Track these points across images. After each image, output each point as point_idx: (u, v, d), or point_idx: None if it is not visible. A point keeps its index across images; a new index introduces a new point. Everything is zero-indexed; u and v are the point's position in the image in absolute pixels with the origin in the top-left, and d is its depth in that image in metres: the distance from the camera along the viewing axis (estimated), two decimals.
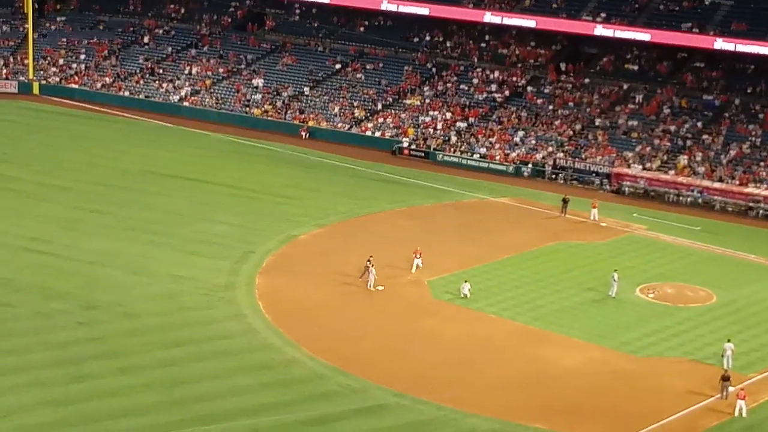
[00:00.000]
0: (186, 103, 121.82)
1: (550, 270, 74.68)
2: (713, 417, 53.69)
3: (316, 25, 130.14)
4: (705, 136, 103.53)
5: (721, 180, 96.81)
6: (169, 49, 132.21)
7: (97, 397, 52.33)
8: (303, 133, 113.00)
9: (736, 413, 53.70)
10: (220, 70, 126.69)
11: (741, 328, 65.14)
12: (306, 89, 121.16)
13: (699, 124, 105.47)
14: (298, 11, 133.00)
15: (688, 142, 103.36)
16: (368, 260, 69.56)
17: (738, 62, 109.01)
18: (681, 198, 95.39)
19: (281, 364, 57.68)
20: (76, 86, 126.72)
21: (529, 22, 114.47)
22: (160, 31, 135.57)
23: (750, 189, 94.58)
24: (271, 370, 56.71)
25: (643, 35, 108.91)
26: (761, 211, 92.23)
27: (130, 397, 52.30)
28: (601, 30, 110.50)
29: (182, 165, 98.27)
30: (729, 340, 58.53)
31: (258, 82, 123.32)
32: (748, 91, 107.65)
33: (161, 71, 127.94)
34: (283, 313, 64.62)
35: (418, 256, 72.45)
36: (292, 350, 59.32)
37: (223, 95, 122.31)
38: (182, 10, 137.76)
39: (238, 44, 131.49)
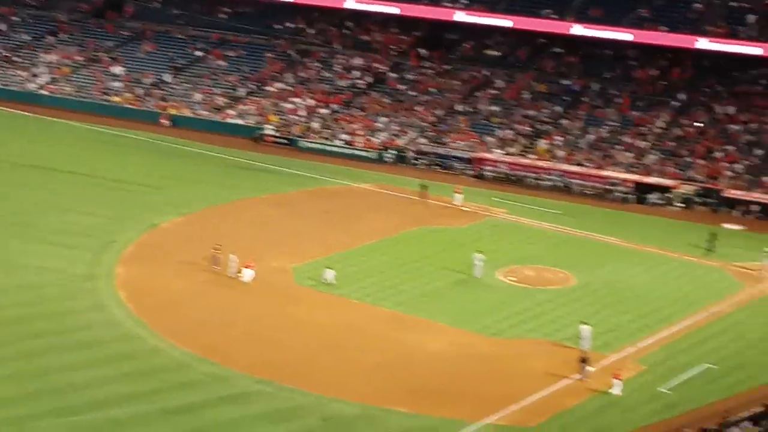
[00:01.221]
0: (45, 92, 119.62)
1: (413, 255, 75.13)
2: (573, 397, 54.49)
3: (176, 12, 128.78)
4: (564, 121, 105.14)
5: (580, 164, 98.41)
6: (27, 36, 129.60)
7: None
8: (165, 121, 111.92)
9: (612, 391, 54.70)
10: (79, 57, 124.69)
11: (599, 309, 66.31)
12: (167, 77, 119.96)
13: (558, 109, 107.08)
14: None
15: (548, 127, 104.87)
16: (214, 248, 69.06)
17: (595, 48, 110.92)
18: (541, 182, 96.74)
19: (143, 353, 57.01)
20: None
21: (391, 9, 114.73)
22: (17, 18, 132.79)
23: (608, 172, 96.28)
24: (133, 360, 55.98)
25: (503, 21, 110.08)
26: (619, 194, 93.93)
27: None
28: (462, 16, 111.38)
29: (41, 155, 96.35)
30: (585, 323, 59.35)
31: (118, 69, 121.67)
32: (606, 76, 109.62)
33: (18, 59, 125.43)
34: (144, 303, 63.87)
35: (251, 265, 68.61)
36: (154, 340, 58.69)
37: (82, 83, 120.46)
38: None
39: (97, 31, 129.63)
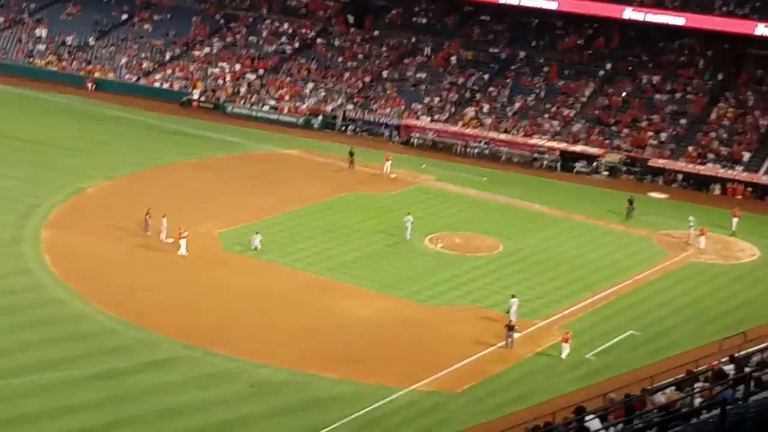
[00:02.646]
0: None
1: (341, 221, 75.19)
2: (498, 364, 54.91)
3: None
4: (491, 89, 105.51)
5: (507, 132, 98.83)
6: None
7: None
8: (90, 85, 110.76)
9: (562, 355, 55.38)
10: (1, 19, 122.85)
11: (526, 276, 66.79)
12: (92, 40, 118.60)
13: (485, 76, 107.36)
14: None
15: (476, 95, 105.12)
16: (147, 212, 68.65)
17: (523, 16, 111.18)
18: (468, 149, 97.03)
19: (69, 318, 56.60)
20: None
21: None
22: None
23: (535, 140, 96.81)
24: (59, 325, 55.56)
25: None
26: (545, 162, 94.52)
27: None
28: None
29: None
30: (514, 296, 59.53)
31: (41, 32, 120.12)
32: (533, 44, 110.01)
33: None
34: (70, 268, 63.38)
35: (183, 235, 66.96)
36: (80, 305, 58.27)
37: (4, 45, 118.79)
38: None
39: None
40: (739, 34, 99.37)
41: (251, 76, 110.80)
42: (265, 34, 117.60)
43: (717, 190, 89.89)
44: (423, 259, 69.45)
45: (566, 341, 55.65)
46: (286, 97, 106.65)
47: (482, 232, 74.94)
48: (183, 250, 66.27)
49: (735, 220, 77.54)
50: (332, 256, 68.26)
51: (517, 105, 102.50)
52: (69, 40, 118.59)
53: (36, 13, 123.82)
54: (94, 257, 65.22)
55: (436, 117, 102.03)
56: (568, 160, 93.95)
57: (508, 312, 58.35)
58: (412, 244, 71.13)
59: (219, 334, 56.01)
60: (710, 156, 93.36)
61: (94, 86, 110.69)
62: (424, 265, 68.15)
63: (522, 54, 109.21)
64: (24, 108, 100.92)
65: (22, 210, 72.33)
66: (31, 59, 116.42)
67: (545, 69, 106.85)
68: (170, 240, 67.30)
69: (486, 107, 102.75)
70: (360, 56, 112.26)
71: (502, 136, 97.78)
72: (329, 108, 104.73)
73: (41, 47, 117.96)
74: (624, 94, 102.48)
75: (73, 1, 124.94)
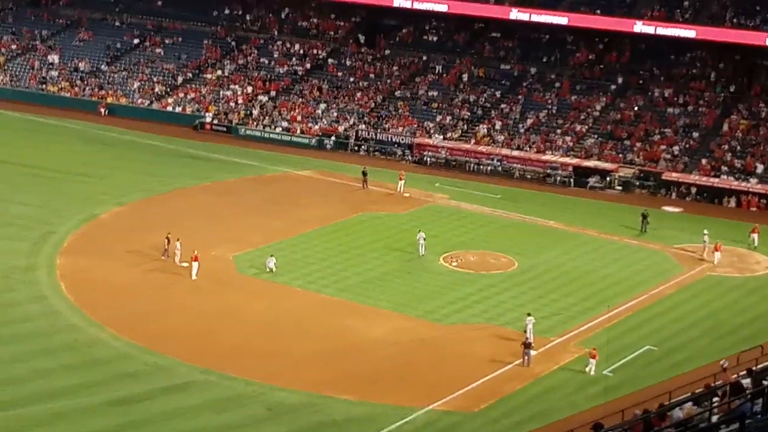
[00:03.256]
0: None
1: (355, 242, 75.15)
2: (515, 382, 54.76)
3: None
4: (503, 105, 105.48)
5: (519, 148, 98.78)
6: None
7: None
8: (102, 110, 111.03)
9: (586, 370, 55.25)
10: (14, 46, 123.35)
11: (542, 293, 66.67)
12: (104, 65, 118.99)
13: (497, 93, 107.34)
14: None
15: (488, 112, 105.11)
16: (167, 237, 68.72)
17: (533, 32, 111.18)
18: (481, 167, 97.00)
19: (85, 345, 56.61)
20: None
21: None
22: None
23: (547, 156, 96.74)
24: (75, 352, 55.61)
25: (440, 6, 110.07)
26: (558, 178, 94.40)
27: None
28: (400, 1, 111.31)
29: None
30: (529, 314, 59.41)
31: (54, 58, 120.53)
32: (544, 60, 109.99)
33: None
34: (85, 294, 63.42)
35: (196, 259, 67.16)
36: (96, 330, 58.28)
37: (18, 72, 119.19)
38: None
39: (33, 20, 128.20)
40: (749, 46, 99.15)
41: (263, 98, 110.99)
42: (276, 55, 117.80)
43: (732, 202, 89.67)
44: (438, 277, 69.34)
45: (593, 357, 55.44)
46: (299, 118, 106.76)
47: (497, 249, 74.82)
48: (194, 274, 66.31)
49: (755, 236, 76.95)
50: (347, 276, 68.21)
51: (529, 121, 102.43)
52: (81, 65, 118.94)
53: (48, 39, 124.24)
54: (109, 283, 65.24)
55: (448, 135, 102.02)
56: (581, 175, 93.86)
57: (524, 330, 58.22)
58: (427, 263, 71.08)
59: (234, 357, 55.98)
60: (724, 168, 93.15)
61: (106, 111, 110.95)
62: (439, 284, 68.05)
63: (533, 70, 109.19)
64: (36, 135, 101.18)
65: (36, 237, 72.45)
66: (43, 86, 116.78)
67: (557, 84, 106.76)
68: (185, 264, 67.33)
69: (498, 124, 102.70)
70: (371, 75, 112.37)
71: (515, 153, 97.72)
72: (342, 128, 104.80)
73: (54, 73, 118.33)
74: (636, 108, 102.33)
75: (85, 27, 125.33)
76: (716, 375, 46.62)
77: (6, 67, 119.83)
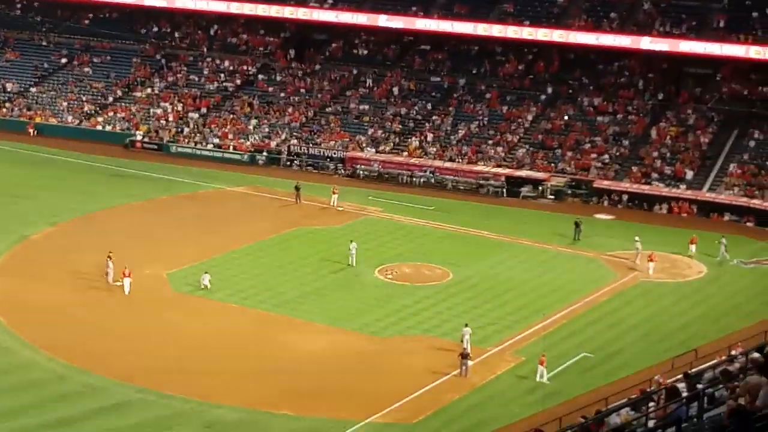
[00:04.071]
0: None
1: (290, 257, 74.99)
2: (454, 393, 54.87)
3: (39, 19, 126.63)
4: (434, 117, 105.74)
5: (451, 160, 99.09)
6: None
7: None
8: (31, 131, 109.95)
9: (537, 378, 55.52)
10: None
11: (477, 303, 66.88)
12: (32, 85, 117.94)
13: (428, 105, 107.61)
14: (19, 5, 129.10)
15: (419, 124, 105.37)
16: (108, 257, 68.11)
17: (462, 44, 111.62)
18: (414, 179, 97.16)
19: (18, 367, 56.02)
20: None
21: (256, 10, 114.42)
22: None
23: (480, 167, 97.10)
24: (8, 375, 55.00)
25: (369, 20, 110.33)
26: (491, 188, 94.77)
27: None
28: (326, 16, 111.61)
29: None
30: (466, 325, 59.45)
31: None
32: (473, 71, 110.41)
33: None
34: (18, 315, 62.73)
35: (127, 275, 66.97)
36: (29, 352, 57.66)
37: None
38: None
39: None
40: (676, 54, 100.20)
41: (194, 115, 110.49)
42: (206, 72, 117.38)
43: (663, 209, 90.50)
44: (374, 290, 69.36)
45: (542, 363, 55.65)
46: (230, 135, 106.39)
47: (432, 261, 74.95)
48: (128, 289, 66.01)
49: (693, 246, 77.34)
50: (282, 292, 68.01)
51: (460, 133, 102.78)
52: (9, 86, 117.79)
53: None
54: (42, 304, 64.53)
55: (380, 148, 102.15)
56: (513, 185, 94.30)
57: (461, 340, 58.36)
58: (362, 276, 71.09)
59: (171, 375, 55.64)
60: (654, 175, 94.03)
61: (35, 132, 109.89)
62: (375, 297, 68.07)
63: (463, 81, 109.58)
64: None
65: None
66: None
67: (487, 96, 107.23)
68: (118, 283, 66.83)
69: (430, 136, 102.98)
70: (302, 90, 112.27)
71: (447, 165, 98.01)
72: (274, 143, 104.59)
73: None
74: (566, 117, 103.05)
75: (11, 47, 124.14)
76: (651, 380, 47.02)
77: None
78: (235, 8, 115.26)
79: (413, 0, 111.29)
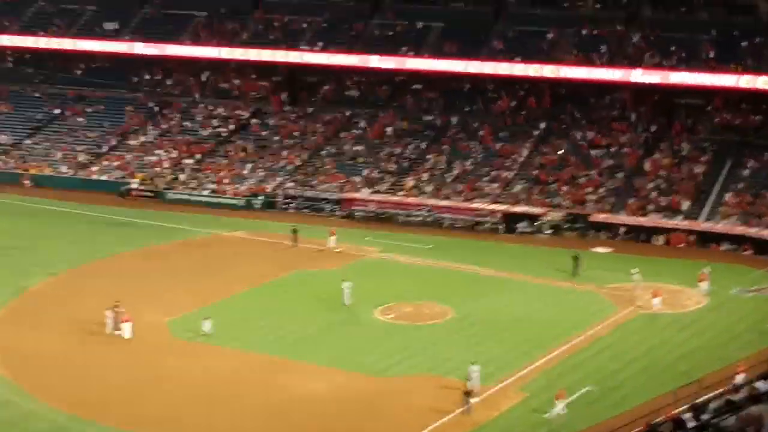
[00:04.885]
0: None
1: (289, 300, 74.93)
2: (458, 431, 54.70)
3: (30, 70, 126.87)
4: (429, 156, 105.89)
5: (448, 198, 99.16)
6: None
7: None
8: (26, 182, 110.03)
9: (554, 411, 55.12)
10: None
11: (478, 341, 66.69)
12: (26, 137, 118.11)
13: (422, 145, 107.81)
14: (11, 58, 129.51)
15: (414, 164, 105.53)
16: (114, 306, 67.80)
17: (454, 82, 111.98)
18: (411, 218, 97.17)
19: (20, 419, 55.70)
20: None
21: (248, 54, 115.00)
22: None
23: (476, 204, 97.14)
24: (11, 427, 54.70)
25: (360, 61, 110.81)
26: (488, 225, 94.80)
27: None
28: (317, 58, 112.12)
29: None
30: (474, 363, 59.20)
31: None
32: (466, 109, 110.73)
33: None
34: (19, 367, 62.55)
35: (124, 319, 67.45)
36: (30, 404, 57.46)
37: None
38: None
39: None
40: (667, 86, 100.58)
41: (189, 161, 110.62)
42: (200, 118, 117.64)
43: (660, 240, 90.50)
44: (375, 331, 69.25)
45: (560, 398, 55.39)
46: (226, 180, 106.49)
47: (432, 299, 74.81)
48: (128, 333, 66.09)
49: (703, 284, 76.45)
50: (283, 335, 67.86)
51: (455, 170, 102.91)
52: (3, 139, 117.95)
53: None
54: (43, 353, 64.42)
55: (376, 188, 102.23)
56: (510, 221, 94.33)
57: (467, 379, 58.14)
58: (363, 316, 70.96)
59: (173, 422, 55.47)
60: (650, 207, 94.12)
61: (30, 183, 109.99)
62: (376, 337, 67.95)
63: (456, 119, 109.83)
64: None
65: None
66: None
67: (480, 133, 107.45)
68: (117, 332, 66.72)
69: (425, 175, 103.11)
70: (296, 133, 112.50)
71: (444, 203, 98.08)
72: (269, 187, 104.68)
73: None
74: (559, 153, 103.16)
75: (5, 100, 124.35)
76: (656, 411, 46.91)
77: None
78: (226, 54, 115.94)
79: (404, 40, 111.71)
